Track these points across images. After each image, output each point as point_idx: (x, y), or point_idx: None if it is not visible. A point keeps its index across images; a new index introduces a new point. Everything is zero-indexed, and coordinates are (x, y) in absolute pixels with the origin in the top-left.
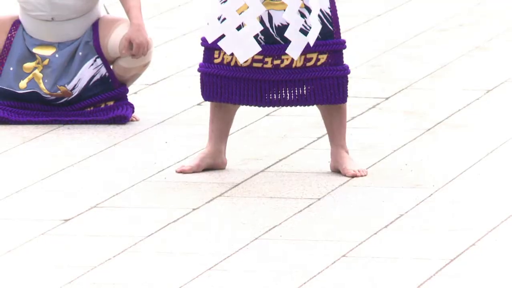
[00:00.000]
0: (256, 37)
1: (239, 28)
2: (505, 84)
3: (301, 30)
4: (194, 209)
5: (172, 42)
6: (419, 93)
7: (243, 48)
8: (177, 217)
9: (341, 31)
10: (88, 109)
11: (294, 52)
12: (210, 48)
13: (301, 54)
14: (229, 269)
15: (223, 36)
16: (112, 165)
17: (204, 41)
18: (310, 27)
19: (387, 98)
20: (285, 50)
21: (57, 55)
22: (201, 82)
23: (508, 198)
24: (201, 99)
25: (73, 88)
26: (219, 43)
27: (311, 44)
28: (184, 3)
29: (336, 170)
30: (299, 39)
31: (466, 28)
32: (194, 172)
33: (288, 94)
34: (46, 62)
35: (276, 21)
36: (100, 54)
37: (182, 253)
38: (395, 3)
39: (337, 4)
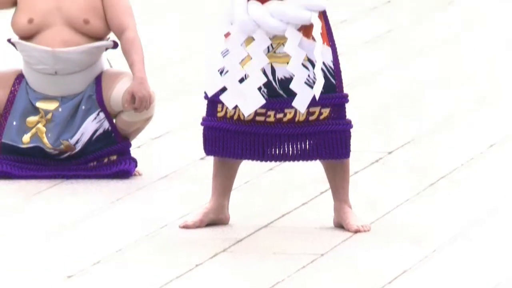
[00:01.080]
0: (259, 90)
1: (241, 80)
2: (509, 139)
3: (306, 83)
4: (197, 265)
5: (175, 95)
6: (422, 147)
7: (247, 101)
8: (180, 273)
9: (343, 85)
10: (91, 164)
11: (300, 105)
12: (213, 102)
13: None
14: None
15: (224, 89)
16: (115, 221)
17: (207, 94)
18: (315, 80)
19: (390, 153)
20: (288, 103)
21: (60, 109)
22: (203, 137)
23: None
24: (204, 153)
25: (76, 143)
26: (220, 97)
27: (317, 98)
28: (188, 57)
29: (340, 225)
30: (305, 92)
31: (469, 83)
32: (197, 227)
33: (290, 149)
34: (49, 116)
35: (279, 74)
36: (102, 108)
37: None
38: (397, 58)
39: (339, 58)
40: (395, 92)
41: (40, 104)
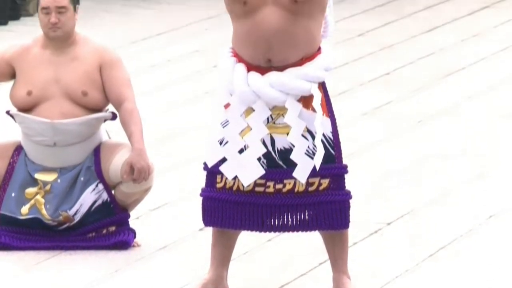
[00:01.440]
0: (258, 160)
1: (241, 151)
2: (508, 210)
3: (306, 154)
4: None
5: (174, 167)
6: (421, 218)
7: (246, 171)
8: None
9: (343, 156)
10: (90, 234)
11: (301, 175)
12: (213, 173)
13: None
14: None
15: (224, 160)
16: None
17: (206, 165)
18: (314, 151)
19: (389, 224)
20: (288, 174)
21: (59, 181)
22: (202, 208)
23: None
24: (203, 224)
25: (75, 214)
26: (220, 168)
27: (317, 168)
28: (186, 129)
29: None
30: (305, 163)
31: (468, 153)
32: None
33: (289, 220)
34: (48, 188)
35: (279, 145)
36: (101, 179)
37: None
38: (396, 129)
39: (339, 129)
40: (394, 163)
41: (38, 176)
